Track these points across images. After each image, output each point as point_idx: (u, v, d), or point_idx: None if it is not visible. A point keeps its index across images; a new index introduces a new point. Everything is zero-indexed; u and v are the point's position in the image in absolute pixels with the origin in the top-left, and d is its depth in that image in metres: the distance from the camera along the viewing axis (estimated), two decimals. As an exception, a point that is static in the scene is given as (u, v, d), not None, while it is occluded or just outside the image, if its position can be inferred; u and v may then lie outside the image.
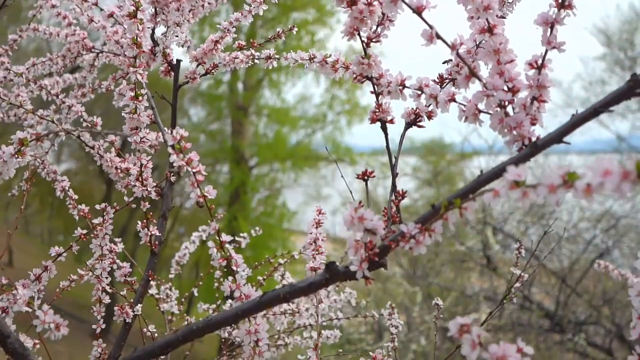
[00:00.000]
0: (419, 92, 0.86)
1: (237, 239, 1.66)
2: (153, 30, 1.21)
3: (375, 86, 0.89)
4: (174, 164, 0.80)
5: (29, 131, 0.88)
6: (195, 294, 1.76)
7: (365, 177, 0.92)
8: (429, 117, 0.88)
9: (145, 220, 1.15)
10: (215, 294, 1.74)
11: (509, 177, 0.54)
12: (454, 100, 0.81)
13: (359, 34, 0.83)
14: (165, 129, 1.23)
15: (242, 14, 1.23)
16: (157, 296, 1.56)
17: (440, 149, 11.00)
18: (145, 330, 1.26)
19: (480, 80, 0.76)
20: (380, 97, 0.89)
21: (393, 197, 0.85)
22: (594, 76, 9.15)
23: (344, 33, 0.82)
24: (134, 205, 1.16)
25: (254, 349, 0.81)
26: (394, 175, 0.87)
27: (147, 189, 1.11)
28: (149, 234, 1.15)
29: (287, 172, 11.45)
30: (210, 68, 1.26)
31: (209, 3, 1.25)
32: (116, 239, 1.17)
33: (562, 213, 7.27)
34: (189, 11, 1.21)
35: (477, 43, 0.78)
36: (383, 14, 0.83)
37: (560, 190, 0.50)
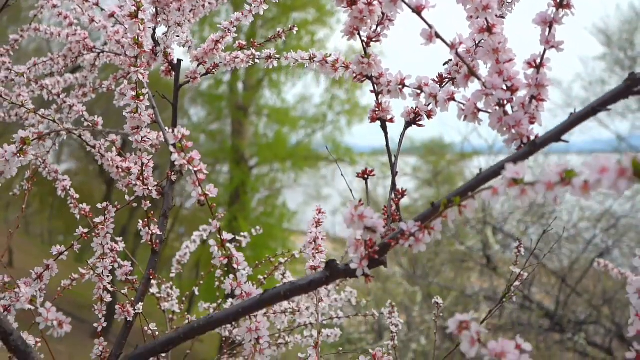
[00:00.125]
0: (419, 92, 0.86)
1: (237, 238, 1.66)
2: (154, 30, 1.21)
3: (375, 85, 0.89)
4: (176, 163, 0.80)
5: (31, 130, 0.89)
6: (196, 292, 1.76)
7: (365, 176, 0.93)
8: (429, 116, 0.88)
9: (146, 219, 1.16)
10: (216, 293, 1.75)
11: (508, 175, 0.54)
12: (453, 99, 0.81)
13: (359, 34, 0.84)
14: (166, 128, 1.24)
15: (242, 14, 1.23)
16: (158, 295, 1.57)
17: (440, 149, 11.01)
18: (146, 328, 1.26)
19: (479, 79, 0.76)
20: (380, 96, 0.89)
21: (393, 196, 0.86)
22: (594, 76, 9.17)
23: (344, 33, 0.83)
24: (135, 204, 1.17)
25: (255, 347, 0.81)
26: (394, 174, 0.87)
27: (148, 188, 1.12)
28: (150, 232, 1.15)
29: (287, 172, 11.47)
30: (211, 68, 1.26)
31: (209, 3, 1.25)
32: (117, 238, 1.18)
33: (562, 213, 7.27)
34: (190, 11, 1.22)
35: (477, 42, 0.78)
36: (383, 13, 0.83)
37: (558, 188, 0.51)
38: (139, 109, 1.02)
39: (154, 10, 1.16)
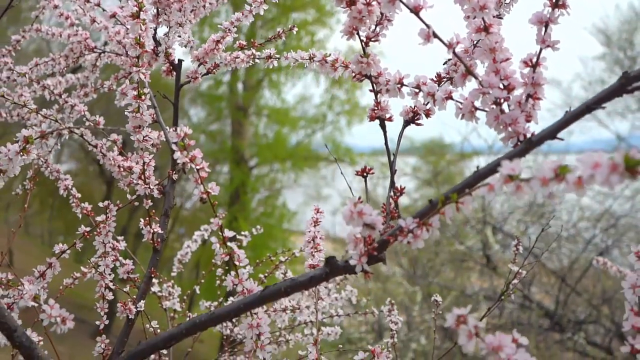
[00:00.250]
0: (417, 90, 0.87)
1: (238, 237, 1.67)
2: (155, 30, 1.23)
3: (374, 84, 0.90)
4: (178, 161, 0.81)
5: (34, 129, 0.90)
6: (197, 291, 1.77)
7: (365, 174, 0.94)
8: (427, 115, 0.90)
9: (147, 218, 1.17)
10: (216, 292, 1.76)
11: (504, 172, 0.56)
12: (451, 98, 0.82)
13: (358, 34, 0.85)
14: (167, 128, 1.25)
15: (243, 14, 1.24)
16: (159, 294, 1.58)
17: (440, 149, 11.01)
18: (148, 326, 1.27)
19: (476, 78, 0.77)
20: (378, 95, 0.91)
21: (392, 193, 0.87)
22: (594, 76, 9.17)
23: (343, 33, 0.84)
24: (136, 203, 1.18)
25: (256, 343, 0.82)
26: (392, 172, 0.88)
27: (149, 187, 1.13)
28: (152, 231, 1.16)
29: (287, 173, 11.48)
30: (212, 68, 1.27)
31: (210, 3, 1.26)
32: (118, 238, 1.19)
33: (562, 212, 7.28)
34: (191, 11, 1.23)
35: (474, 42, 0.80)
36: (381, 13, 0.84)
37: (553, 184, 0.52)
38: (140, 108, 1.03)
39: (155, 10, 1.18)
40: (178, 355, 1.58)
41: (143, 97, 1.03)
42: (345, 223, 0.70)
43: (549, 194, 0.52)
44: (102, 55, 1.55)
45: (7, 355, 1.27)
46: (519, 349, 0.57)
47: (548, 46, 0.72)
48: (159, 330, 1.31)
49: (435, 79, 0.88)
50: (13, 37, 1.56)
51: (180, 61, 1.28)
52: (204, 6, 1.24)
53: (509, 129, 0.72)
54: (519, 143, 0.72)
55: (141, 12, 1.00)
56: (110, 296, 1.15)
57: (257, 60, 1.28)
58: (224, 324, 1.66)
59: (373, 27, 0.87)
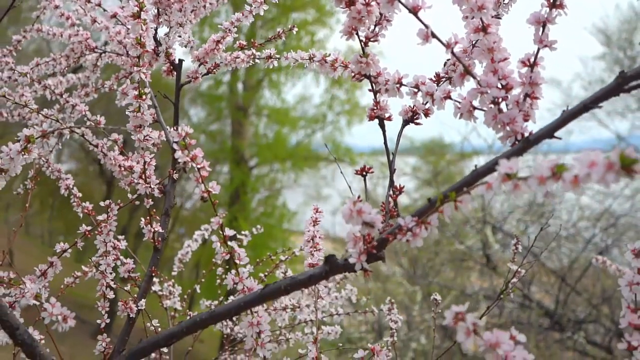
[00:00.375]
0: (416, 90, 0.88)
1: (238, 236, 1.68)
2: (156, 30, 1.23)
3: (373, 84, 0.91)
4: (179, 160, 0.82)
5: (35, 128, 0.90)
6: (198, 290, 1.78)
7: (364, 173, 0.94)
8: (426, 115, 0.90)
9: (148, 217, 1.17)
10: (217, 291, 1.77)
11: (502, 170, 0.56)
12: (450, 98, 0.83)
13: (357, 34, 0.86)
14: (168, 127, 1.25)
15: (243, 14, 1.25)
16: (160, 293, 1.59)
17: (440, 149, 11.02)
18: (148, 324, 1.28)
19: (474, 78, 0.78)
20: (378, 94, 0.91)
21: (391, 192, 0.88)
22: (594, 76, 9.17)
23: (342, 33, 0.84)
24: (137, 203, 1.19)
25: (256, 341, 0.83)
26: (392, 171, 0.89)
27: (150, 186, 1.14)
28: (153, 230, 1.17)
29: (287, 173, 11.48)
30: (212, 68, 1.28)
31: (210, 3, 1.27)
32: (119, 237, 1.20)
33: (562, 212, 7.29)
34: (191, 12, 1.24)
35: (472, 42, 0.80)
36: (380, 14, 0.85)
37: (550, 182, 0.52)
38: (141, 107, 1.04)
39: (156, 10, 1.18)
40: (178, 355, 1.59)
41: (144, 96, 1.03)
42: (344, 222, 0.71)
43: (546, 192, 0.53)
44: (103, 56, 1.56)
45: (9, 354, 1.28)
46: (516, 346, 0.57)
47: (546, 46, 0.73)
48: (159, 329, 1.32)
49: (434, 79, 0.88)
50: (14, 37, 1.57)
51: (180, 61, 1.29)
52: (204, 6, 1.25)
53: (507, 128, 0.73)
54: (516, 142, 0.72)
55: (142, 12, 1.00)
56: (111, 295, 1.15)
57: (257, 60, 1.28)
58: (225, 323, 1.67)
59: (372, 27, 0.88)
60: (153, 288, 1.51)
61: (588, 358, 6.11)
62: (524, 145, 0.67)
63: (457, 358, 6.19)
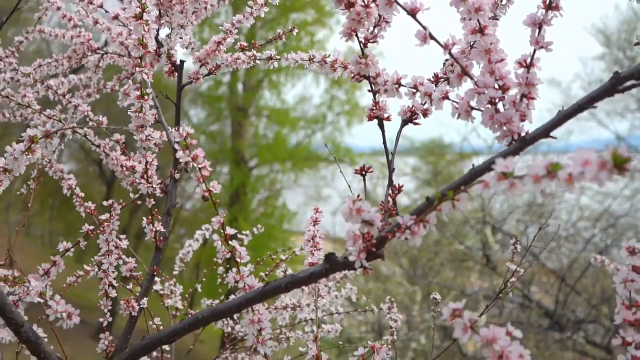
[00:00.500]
0: (414, 90, 0.89)
1: (239, 236, 1.69)
2: (157, 31, 1.24)
3: (373, 85, 0.92)
4: (180, 160, 0.83)
5: (39, 128, 0.92)
6: (199, 290, 1.79)
7: (363, 172, 0.95)
8: (424, 115, 0.91)
9: (150, 217, 1.18)
10: (218, 290, 1.78)
11: (498, 169, 0.57)
12: (448, 98, 0.84)
13: (356, 35, 0.87)
14: (169, 128, 1.27)
15: (244, 16, 1.26)
16: (161, 292, 1.60)
17: (439, 149, 11.02)
18: (150, 323, 1.29)
19: (472, 78, 0.79)
20: (377, 95, 0.93)
21: (390, 191, 0.89)
22: (593, 76, 9.19)
23: (342, 34, 0.85)
24: (139, 202, 1.20)
25: (257, 338, 0.84)
26: (391, 170, 0.90)
27: (152, 186, 1.15)
28: (154, 230, 1.18)
29: (287, 173, 11.50)
30: (213, 69, 1.29)
31: (211, 5, 1.28)
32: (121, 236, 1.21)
33: (561, 212, 7.31)
34: (192, 13, 1.25)
35: (470, 43, 0.81)
36: (379, 15, 0.86)
37: (545, 180, 0.53)
38: (143, 108, 1.05)
39: (158, 12, 1.19)
40: (179, 355, 1.60)
41: (146, 97, 1.05)
42: (344, 220, 0.72)
43: (542, 191, 0.54)
44: (105, 57, 1.57)
45: (11, 354, 1.29)
46: (513, 342, 0.58)
47: (542, 47, 0.74)
48: (161, 327, 1.33)
49: (432, 80, 0.90)
50: (16, 38, 1.58)
51: (182, 62, 1.30)
52: (205, 8, 1.26)
53: (504, 127, 0.74)
54: (513, 141, 0.73)
55: (144, 14, 1.02)
56: (113, 293, 1.16)
57: (258, 61, 1.30)
58: (225, 322, 1.68)
59: (371, 28, 0.89)
60: (154, 287, 1.52)
61: (588, 358, 6.13)
62: (520, 144, 0.69)
63: (457, 358, 6.20)
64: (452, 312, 0.60)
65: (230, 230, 0.88)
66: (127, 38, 1.28)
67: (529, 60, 0.75)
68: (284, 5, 9.89)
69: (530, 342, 6.09)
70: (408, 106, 0.92)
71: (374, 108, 0.93)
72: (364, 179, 0.97)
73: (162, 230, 1.19)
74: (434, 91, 0.87)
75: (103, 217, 1.15)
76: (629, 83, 0.65)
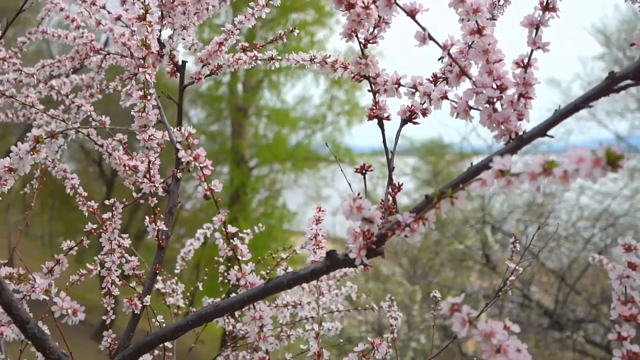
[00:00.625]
0: (414, 90, 0.91)
1: (240, 235, 1.70)
2: (160, 32, 1.26)
3: (372, 85, 0.93)
4: (182, 160, 0.84)
5: (44, 129, 0.93)
6: (200, 288, 1.80)
7: (364, 171, 0.97)
8: (424, 114, 0.93)
9: (152, 216, 1.20)
10: (218, 290, 1.79)
11: (495, 167, 0.59)
12: (446, 98, 0.86)
13: (356, 36, 0.88)
14: (171, 127, 1.28)
15: (245, 17, 1.27)
16: (163, 290, 1.61)
17: (439, 149, 11.03)
18: (153, 320, 1.30)
19: (470, 78, 0.81)
20: (377, 95, 0.94)
21: (389, 190, 0.90)
22: (593, 76, 9.20)
23: (342, 35, 0.87)
24: (142, 201, 1.21)
25: (259, 334, 0.86)
26: (390, 169, 0.91)
27: (154, 185, 1.16)
28: (157, 228, 1.19)
29: (287, 173, 11.51)
30: (215, 69, 1.31)
31: (212, 6, 1.30)
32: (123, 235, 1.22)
33: (561, 212, 7.32)
34: (194, 14, 1.26)
35: (468, 44, 0.83)
36: (379, 16, 0.88)
37: (541, 177, 0.55)
38: (146, 108, 1.06)
39: (160, 13, 1.21)
40: (180, 355, 1.61)
41: (149, 97, 1.06)
42: (345, 218, 0.73)
43: (540, 189, 0.55)
44: (108, 57, 1.58)
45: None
46: (510, 336, 0.60)
47: (539, 48, 0.75)
48: (164, 325, 1.34)
49: (431, 80, 0.91)
50: (19, 38, 1.59)
51: (184, 62, 1.31)
52: (207, 9, 1.27)
53: (502, 127, 0.75)
54: (511, 140, 0.75)
55: (147, 15, 1.03)
56: (116, 292, 1.18)
57: (259, 62, 1.31)
58: (227, 320, 1.69)
59: (371, 29, 0.91)
60: (156, 286, 1.53)
61: (588, 357, 6.14)
62: (517, 143, 0.70)
63: (457, 358, 6.21)
64: (450, 307, 0.61)
65: (232, 229, 0.89)
66: (130, 39, 1.29)
67: (526, 61, 0.76)
68: (284, 6, 9.90)
69: (530, 342, 6.10)
70: (407, 106, 0.93)
71: (374, 108, 0.94)
72: (364, 178, 0.99)
73: (165, 229, 1.21)
74: (433, 91, 0.88)
75: (105, 215, 1.16)
76: (624, 83, 0.66)
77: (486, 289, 6.89)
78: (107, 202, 1.18)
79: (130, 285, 1.21)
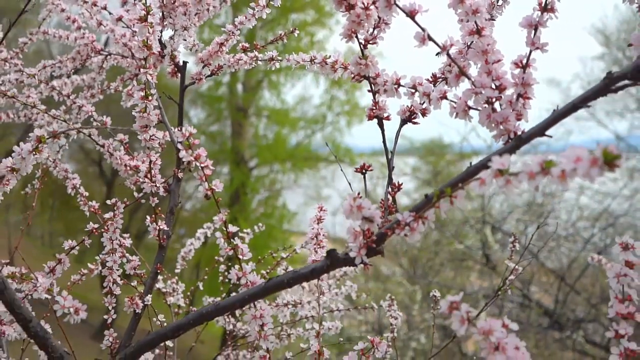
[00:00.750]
0: (413, 90, 0.91)
1: (240, 234, 1.71)
2: (161, 33, 1.26)
3: (372, 85, 0.94)
4: (183, 160, 0.85)
5: (45, 129, 0.93)
6: (201, 287, 1.81)
7: (364, 171, 0.97)
8: (423, 114, 0.93)
9: (153, 215, 1.20)
10: (218, 289, 1.80)
11: (494, 166, 0.59)
12: (446, 98, 0.86)
13: (356, 37, 0.89)
14: (172, 128, 1.28)
15: (246, 18, 1.28)
16: (163, 290, 1.61)
17: (439, 149, 11.04)
18: (154, 319, 1.31)
19: (469, 78, 0.81)
20: (377, 95, 0.94)
21: (389, 189, 0.91)
22: (593, 76, 9.21)
23: (342, 35, 0.87)
24: (143, 201, 1.22)
25: (259, 333, 0.86)
26: (390, 169, 0.92)
27: (156, 185, 1.17)
28: (158, 228, 1.20)
29: (287, 173, 11.51)
30: (216, 69, 1.31)
31: (213, 7, 1.30)
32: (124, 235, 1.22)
33: (561, 212, 7.33)
34: (195, 15, 1.27)
35: (467, 44, 0.83)
36: (379, 17, 0.88)
37: (539, 177, 0.55)
38: (147, 108, 1.07)
39: (161, 14, 1.21)
40: (180, 354, 1.61)
41: (150, 97, 1.06)
42: (345, 217, 0.74)
43: (538, 188, 0.56)
44: (109, 58, 1.59)
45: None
46: (509, 334, 0.60)
47: (537, 48, 0.76)
48: (165, 324, 1.35)
49: (430, 80, 0.91)
50: (20, 39, 1.60)
51: (185, 63, 1.32)
52: (207, 9, 1.27)
53: (501, 127, 0.76)
54: (509, 140, 0.75)
55: (149, 16, 1.03)
56: (118, 291, 1.18)
57: (259, 62, 1.31)
58: (227, 320, 1.70)
59: (371, 30, 0.91)
60: (157, 285, 1.54)
61: (587, 357, 6.14)
62: (516, 143, 0.71)
63: (457, 357, 6.21)
64: (449, 305, 0.62)
65: (232, 228, 0.90)
66: (131, 39, 1.30)
67: (525, 61, 0.77)
68: (284, 6, 9.89)
69: (530, 342, 6.10)
70: (407, 106, 0.94)
71: (374, 108, 0.95)
72: (364, 178, 0.99)
73: (166, 228, 1.21)
74: (433, 91, 0.88)
75: (107, 215, 1.17)
76: (622, 83, 0.67)
77: (486, 289, 6.89)
78: (108, 202, 1.18)
79: (132, 284, 1.22)
